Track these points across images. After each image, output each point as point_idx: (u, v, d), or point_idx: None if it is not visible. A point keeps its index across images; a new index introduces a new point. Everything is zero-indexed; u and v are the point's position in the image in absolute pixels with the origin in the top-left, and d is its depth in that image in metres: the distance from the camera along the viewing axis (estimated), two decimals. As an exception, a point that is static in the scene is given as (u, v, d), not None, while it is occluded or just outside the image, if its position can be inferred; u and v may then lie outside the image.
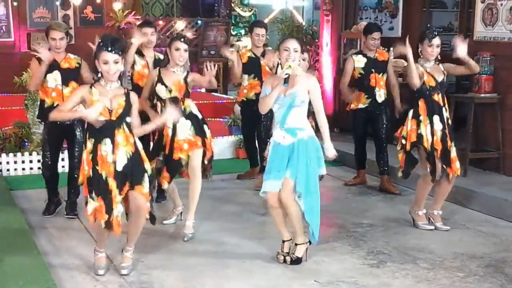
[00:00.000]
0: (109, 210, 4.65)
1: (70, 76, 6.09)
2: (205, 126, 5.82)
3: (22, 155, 7.97)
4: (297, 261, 5.08)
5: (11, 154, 7.95)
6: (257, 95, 7.29)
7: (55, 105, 6.07)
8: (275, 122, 5.07)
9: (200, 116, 5.81)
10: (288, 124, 4.96)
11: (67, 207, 6.30)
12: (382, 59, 7.34)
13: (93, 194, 4.69)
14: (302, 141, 4.95)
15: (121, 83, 4.81)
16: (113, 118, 4.68)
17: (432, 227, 6.00)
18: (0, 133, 8.23)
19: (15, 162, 7.95)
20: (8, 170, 7.93)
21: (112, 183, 4.67)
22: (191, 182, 5.79)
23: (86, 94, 4.72)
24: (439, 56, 5.90)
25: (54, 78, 6.08)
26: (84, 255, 5.26)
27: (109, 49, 4.61)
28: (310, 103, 5.06)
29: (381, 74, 7.31)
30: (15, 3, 12.31)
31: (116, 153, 4.67)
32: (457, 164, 5.85)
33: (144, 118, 5.63)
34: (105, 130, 4.69)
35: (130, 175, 4.72)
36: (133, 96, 4.83)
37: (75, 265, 5.08)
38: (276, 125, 5.05)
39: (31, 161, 7.95)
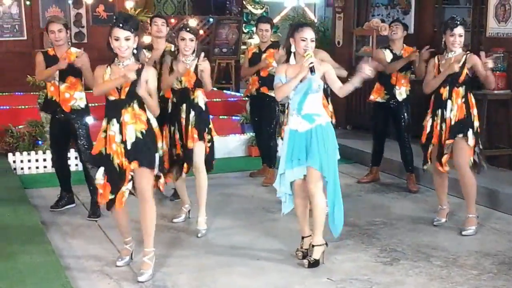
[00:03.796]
0: (114, 190, 4.73)
1: (67, 71, 6.05)
2: (210, 121, 5.85)
3: (36, 153, 8.02)
4: (315, 264, 5.00)
5: (24, 153, 8.01)
6: (257, 90, 7.37)
7: (53, 99, 6.14)
8: (291, 109, 5.02)
9: (203, 108, 5.80)
10: (305, 110, 4.92)
11: (90, 209, 6.29)
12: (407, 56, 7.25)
13: (100, 170, 4.76)
14: (320, 127, 4.92)
15: (136, 59, 4.76)
16: (122, 96, 4.68)
17: (438, 224, 6.01)
18: (14, 131, 8.28)
19: (29, 161, 8.01)
20: (22, 168, 7.98)
21: (125, 163, 4.69)
22: (196, 178, 5.80)
23: (103, 73, 4.74)
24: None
25: (53, 74, 6.09)
26: (97, 253, 5.29)
27: (121, 25, 4.60)
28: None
29: (403, 72, 7.25)
30: (27, 2, 12.37)
31: (124, 133, 4.68)
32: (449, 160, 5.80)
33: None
34: (113, 110, 4.72)
35: (141, 155, 4.69)
36: (147, 71, 4.74)
37: (89, 263, 5.10)
38: (292, 112, 4.99)
39: (44, 160, 7.99)
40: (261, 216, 6.37)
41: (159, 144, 4.87)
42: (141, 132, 4.72)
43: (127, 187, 4.75)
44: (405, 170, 7.46)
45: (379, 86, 7.39)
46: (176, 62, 5.72)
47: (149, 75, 4.74)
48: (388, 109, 7.36)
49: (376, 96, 7.42)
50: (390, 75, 7.25)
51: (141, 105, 4.74)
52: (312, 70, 4.79)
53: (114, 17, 4.75)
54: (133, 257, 5.08)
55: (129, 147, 4.69)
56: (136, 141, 4.69)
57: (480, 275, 4.89)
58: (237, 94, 12.03)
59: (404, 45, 7.33)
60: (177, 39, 5.73)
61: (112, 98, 4.72)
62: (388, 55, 7.30)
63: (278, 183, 5.11)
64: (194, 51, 5.68)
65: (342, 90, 5.00)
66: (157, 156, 4.81)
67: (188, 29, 5.70)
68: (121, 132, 4.70)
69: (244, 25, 14.64)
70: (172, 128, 5.80)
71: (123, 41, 4.62)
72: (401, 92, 7.28)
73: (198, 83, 5.73)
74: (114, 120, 4.71)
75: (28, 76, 8.66)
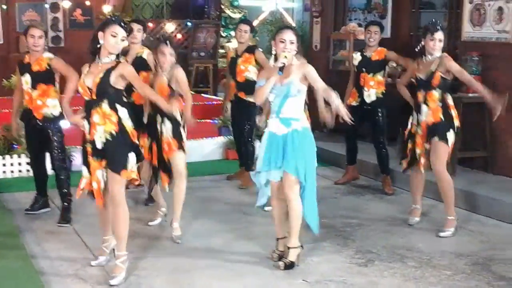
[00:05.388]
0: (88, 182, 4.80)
1: (39, 78, 6.05)
2: (181, 130, 5.76)
3: (11, 157, 7.94)
4: (290, 265, 5.02)
5: (-1, 157, 7.95)
6: (235, 95, 7.46)
7: (27, 107, 6.14)
8: (271, 112, 5.04)
9: (179, 119, 5.75)
10: (283, 113, 4.93)
11: (60, 215, 6.23)
12: (377, 58, 7.31)
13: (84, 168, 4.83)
14: (296, 132, 4.93)
15: (117, 57, 4.75)
16: (94, 97, 4.69)
17: (411, 224, 6.11)
18: (-11, 135, 8.21)
19: (4, 165, 7.92)
20: (-4, 172, 7.92)
21: (91, 161, 4.73)
22: (176, 185, 5.75)
23: (83, 72, 4.80)
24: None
25: (26, 81, 6.09)
26: (72, 257, 5.25)
27: (122, 24, 4.70)
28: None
29: (371, 74, 7.31)
30: (4, 7, 12.28)
31: (92, 132, 4.69)
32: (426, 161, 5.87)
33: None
34: (87, 110, 4.75)
35: (109, 157, 4.69)
36: (121, 68, 4.68)
37: (64, 267, 5.06)
38: (272, 115, 5.02)
39: (19, 164, 7.93)
40: (237, 219, 6.38)
41: (129, 148, 4.78)
42: (111, 134, 4.67)
43: (99, 185, 4.76)
44: (380, 173, 7.51)
45: (354, 90, 7.47)
46: (155, 74, 5.74)
47: (125, 71, 4.69)
48: (361, 111, 7.41)
49: (352, 100, 7.48)
50: (359, 78, 7.32)
51: (113, 105, 4.70)
52: (280, 69, 4.84)
53: (110, 16, 4.80)
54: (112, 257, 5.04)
55: (99, 146, 4.69)
56: (106, 142, 4.68)
57: (453, 276, 4.94)
58: (215, 97, 12.02)
59: (379, 47, 7.40)
60: (156, 53, 5.70)
61: (86, 98, 4.75)
62: (357, 58, 7.41)
63: (253, 178, 5.17)
64: (172, 64, 5.67)
65: (325, 92, 4.86)
66: (130, 155, 4.75)
67: (168, 42, 5.67)
68: (89, 132, 4.72)
69: (222, 29, 14.66)
70: (149, 140, 5.78)
71: (119, 39, 4.68)
72: (370, 94, 7.33)
73: (173, 94, 5.70)
74: (86, 120, 4.75)
75: (4, 80, 8.61)
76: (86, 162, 4.81)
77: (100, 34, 4.68)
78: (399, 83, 6.24)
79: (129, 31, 4.83)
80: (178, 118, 5.72)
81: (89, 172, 4.79)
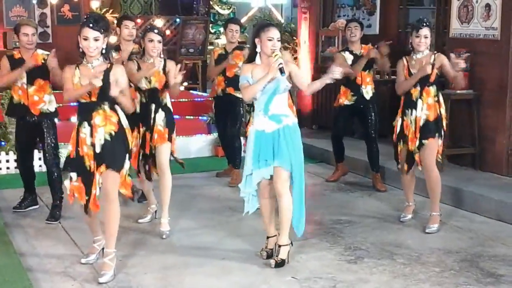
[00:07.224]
0: (88, 192, 4.70)
1: (36, 74, 6.02)
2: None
3: (-1, 154, 7.91)
4: (281, 263, 5.00)
5: (-13, 154, 7.89)
6: (223, 90, 7.42)
7: (21, 103, 6.08)
8: (257, 110, 4.99)
9: (171, 110, 5.82)
10: (271, 110, 4.91)
11: (50, 212, 6.21)
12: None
13: (72, 174, 4.73)
14: (288, 127, 4.92)
15: (105, 57, 4.75)
16: (93, 99, 4.67)
17: (404, 220, 6.13)
18: (-24, 132, 8.15)
19: (-8, 162, 7.89)
20: (-16, 169, 7.86)
21: (93, 166, 4.68)
22: (160, 179, 5.76)
23: (72, 75, 4.72)
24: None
25: (21, 77, 6.04)
26: (61, 255, 5.23)
27: (91, 25, 4.59)
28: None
29: (367, 70, 7.32)
30: (-9, 2, 12.18)
31: (94, 136, 4.66)
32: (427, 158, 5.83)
33: None
34: (84, 112, 4.70)
35: (108, 157, 4.67)
36: (115, 69, 4.71)
37: (52, 265, 5.04)
38: (258, 112, 4.97)
39: (7, 161, 7.88)
40: (227, 216, 6.37)
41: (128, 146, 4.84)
42: (110, 134, 4.68)
43: (97, 191, 4.72)
44: (370, 169, 7.51)
45: (345, 89, 7.43)
46: (142, 62, 5.70)
47: (118, 73, 4.71)
48: (354, 110, 7.41)
49: (344, 99, 7.44)
50: (355, 76, 7.30)
51: (112, 106, 4.72)
52: (282, 71, 4.79)
53: (85, 16, 4.72)
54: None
55: (98, 150, 4.67)
56: (104, 144, 4.67)
57: (442, 272, 4.95)
58: (204, 94, 12.00)
59: (362, 45, 7.40)
60: (143, 40, 5.70)
61: (83, 100, 4.70)
62: (348, 57, 7.35)
63: (244, 184, 5.09)
64: (160, 53, 5.67)
65: (310, 87, 5.09)
66: (127, 157, 4.78)
67: (156, 30, 5.69)
68: (91, 134, 4.68)
69: (211, 25, 14.61)
70: (143, 129, 5.77)
71: (92, 41, 4.60)
72: (368, 91, 7.34)
73: (168, 84, 5.73)
74: (85, 123, 4.69)
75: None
76: (79, 168, 4.72)
77: (78, 38, 4.65)
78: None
79: (106, 28, 4.68)
80: (170, 107, 5.76)
81: (87, 180, 4.70)
